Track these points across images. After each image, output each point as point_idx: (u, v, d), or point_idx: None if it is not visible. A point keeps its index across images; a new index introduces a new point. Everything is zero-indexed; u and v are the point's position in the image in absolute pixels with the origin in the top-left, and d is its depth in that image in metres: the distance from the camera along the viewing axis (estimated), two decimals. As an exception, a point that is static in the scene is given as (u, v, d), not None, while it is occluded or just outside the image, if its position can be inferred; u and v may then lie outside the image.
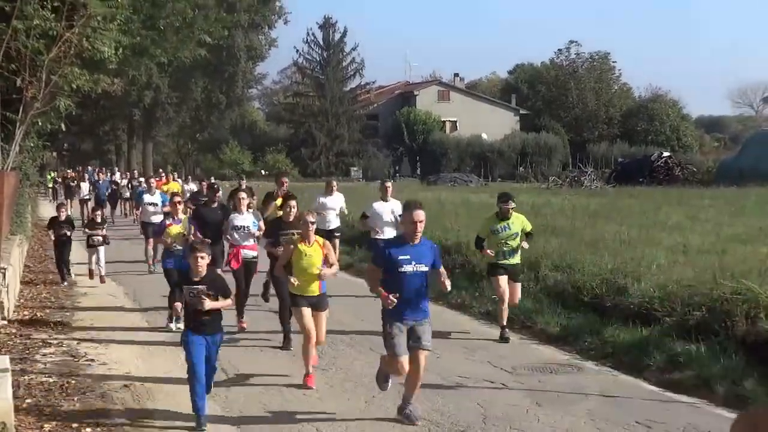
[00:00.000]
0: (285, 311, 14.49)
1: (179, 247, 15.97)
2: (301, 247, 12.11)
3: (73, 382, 12.42)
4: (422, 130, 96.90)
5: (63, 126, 24.53)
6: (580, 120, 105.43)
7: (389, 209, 19.22)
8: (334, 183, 22.64)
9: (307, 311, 12.16)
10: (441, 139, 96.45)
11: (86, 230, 22.74)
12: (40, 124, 22.72)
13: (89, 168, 74.52)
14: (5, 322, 16.27)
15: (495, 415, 10.62)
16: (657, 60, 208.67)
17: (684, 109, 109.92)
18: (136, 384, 12.42)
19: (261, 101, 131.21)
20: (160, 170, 44.90)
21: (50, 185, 61.94)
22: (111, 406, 11.32)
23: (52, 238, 22.66)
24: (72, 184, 47.44)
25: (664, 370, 12.74)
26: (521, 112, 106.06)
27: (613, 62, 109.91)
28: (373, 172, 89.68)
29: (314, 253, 12.11)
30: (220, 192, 27.14)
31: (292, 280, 11.95)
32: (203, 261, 10.39)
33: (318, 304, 12.30)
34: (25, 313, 17.88)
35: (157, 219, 23.27)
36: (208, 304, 10.26)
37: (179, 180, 43.23)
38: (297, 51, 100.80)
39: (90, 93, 23.82)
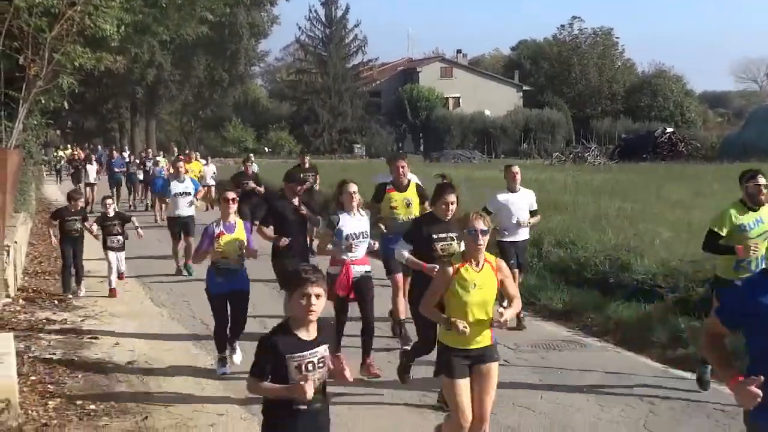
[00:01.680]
0: (423, 351, 10.48)
1: (232, 265, 11.93)
2: (465, 272, 7.89)
3: (77, 359, 12.48)
4: (425, 106, 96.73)
5: (66, 104, 24.53)
6: (583, 96, 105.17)
7: (521, 202, 14.63)
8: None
9: (463, 385, 8.04)
10: (444, 115, 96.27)
11: (91, 224, 18.34)
12: (43, 102, 22.71)
13: (99, 147, 73.56)
14: (9, 300, 16.31)
15: (498, 392, 10.60)
16: (660, 35, 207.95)
17: (688, 84, 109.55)
18: (140, 361, 12.47)
19: (263, 78, 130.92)
20: (186, 150, 38.95)
21: (57, 166, 58.56)
22: (115, 383, 11.37)
23: (56, 234, 17.92)
24: (79, 166, 42.30)
25: (668, 347, 12.76)
26: (524, 88, 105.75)
27: (616, 38, 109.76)
28: (376, 149, 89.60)
29: (486, 281, 7.92)
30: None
31: (460, 326, 7.70)
32: (320, 302, 5.80)
33: (483, 357, 8.07)
34: (30, 290, 17.91)
35: (188, 212, 20.45)
36: (312, 387, 5.74)
37: (201, 160, 37.77)
38: (299, 28, 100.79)
39: (92, 71, 23.80)
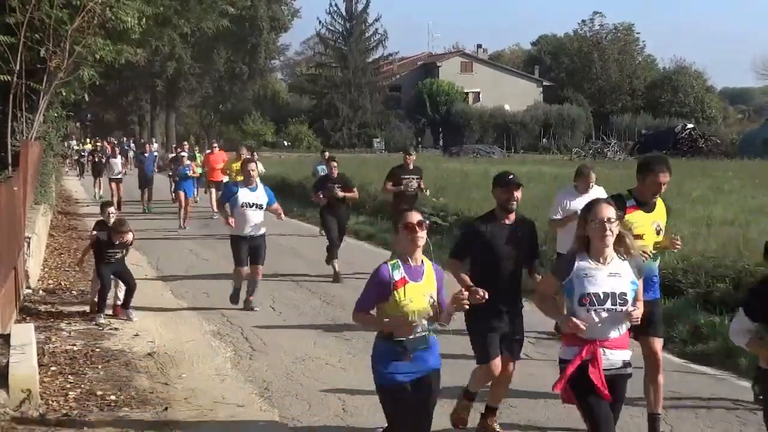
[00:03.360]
0: None
1: (419, 336, 7.10)
2: None
3: (97, 350, 12.51)
4: (445, 101, 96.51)
5: (86, 96, 24.62)
6: (603, 91, 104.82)
7: None
8: (593, 175, 13.12)
9: None
10: (464, 110, 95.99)
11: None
12: (63, 94, 22.85)
13: (123, 138, 72.97)
14: (30, 291, 16.37)
15: (517, 385, 10.61)
16: (681, 32, 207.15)
17: (708, 80, 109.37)
18: (160, 352, 12.49)
19: (283, 72, 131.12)
20: (242, 148, 29.03)
21: (76, 157, 56.12)
22: (135, 374, 11.39)
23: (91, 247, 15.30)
24: (101, 158, 38.58)
25: (688, 342, 12.71)
26: (544, 83, 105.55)
27: (637, 33, 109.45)
28: (395, 144, 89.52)
29: None
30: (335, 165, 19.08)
31: None
32: None
33: None
34: (50, 282, 17.97)
35: (259, 230, 15.22)
36: None
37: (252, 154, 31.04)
38: (320, 22, 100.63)
39: (113, 63, 23.84)
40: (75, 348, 12.55)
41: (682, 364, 11.92)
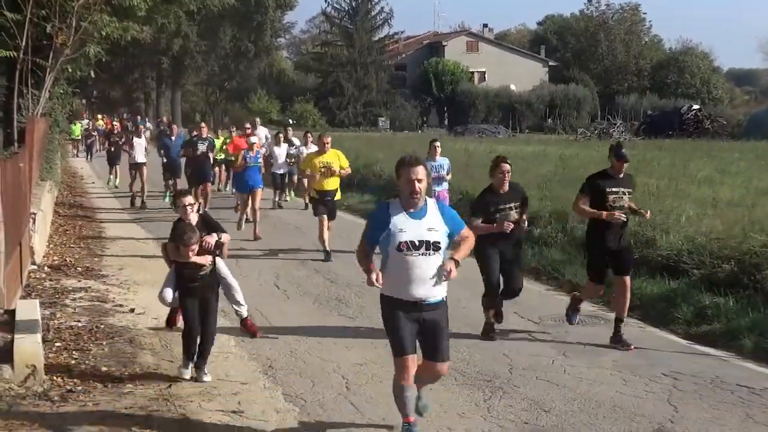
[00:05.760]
0: None
1: None
2: None
3: (102, 326, 12.50)
4: (450, 80, 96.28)
5: (92, 73, 24.62)
6: (609, 72, 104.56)
7: None
8: None
9: None
10: (469, 90, 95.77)
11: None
12: (69, 70, 22.87)
13: (138, 117, 71.58)
14: (35, 267, 16.38)
15: (521, 365, 10.65)
16: (688, 11, 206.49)
17: (715, 61, 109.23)
18: (165, 329, 12.49)
19: (289, 50, 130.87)
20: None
21: (76, 136, 50.38)
22: (139, 350, 11.40)
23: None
24: (119, 140, 32.85)
25: (692, 323, 12.71)
26: (550, 63, 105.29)
27: (644, 14, 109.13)
28: (400, 123, 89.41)
29: None
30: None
31: None
32: None
33: None
34: (55, 258, 17.96)
35: (432, 291, 7.88)
36: None
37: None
38: (325, 0, 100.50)
39: (119, 40, 23.81)
40: (80, 324, 12.56)
41: (687, 345, 11.94)
